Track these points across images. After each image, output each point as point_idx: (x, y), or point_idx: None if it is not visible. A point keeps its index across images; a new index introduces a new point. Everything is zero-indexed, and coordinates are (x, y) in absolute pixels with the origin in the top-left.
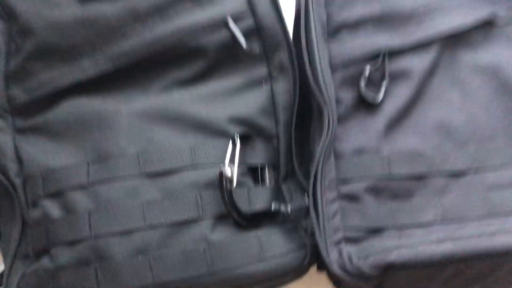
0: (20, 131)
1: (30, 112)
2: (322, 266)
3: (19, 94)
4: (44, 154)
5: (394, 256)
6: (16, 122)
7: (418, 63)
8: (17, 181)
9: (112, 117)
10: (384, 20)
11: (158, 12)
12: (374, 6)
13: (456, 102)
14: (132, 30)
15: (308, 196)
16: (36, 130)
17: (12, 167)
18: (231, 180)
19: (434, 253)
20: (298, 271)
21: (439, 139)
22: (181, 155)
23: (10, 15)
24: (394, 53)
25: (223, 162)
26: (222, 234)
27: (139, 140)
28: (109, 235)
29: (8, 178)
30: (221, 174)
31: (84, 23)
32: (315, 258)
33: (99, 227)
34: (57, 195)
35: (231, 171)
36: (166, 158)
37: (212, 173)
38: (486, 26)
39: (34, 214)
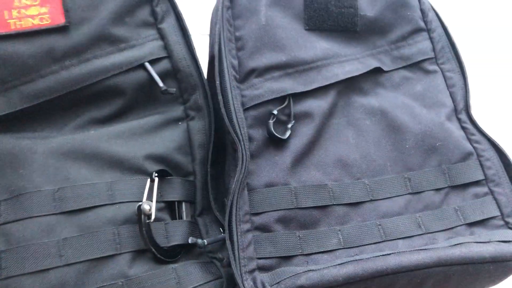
0: None
1: None
2: None
3: None
4: None
5: (303, 279)
6: None
7: (318, 105)
8: None
9: (26, 155)
10: (289, 68)
11: (76, 53)
12: (280, 56)
13: (352, 140)
14: (48, 70)
15: (224, 228)
16: None
17: None
18: (149, 215)
19: (338, 274)
20: None
21: (338, 173)
22: (98, 192)
23: None
24: (298, 96)
25: (141, 199)
26: (140, 269)
27: (55, 178)
28: (22, 275)
29: None
30: (139, 209)
31: None
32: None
33: (10, 267)
34: None
35: (149, 206)
36: (82, 195)
37: (130, 209)
38: (374, 74)
39: None
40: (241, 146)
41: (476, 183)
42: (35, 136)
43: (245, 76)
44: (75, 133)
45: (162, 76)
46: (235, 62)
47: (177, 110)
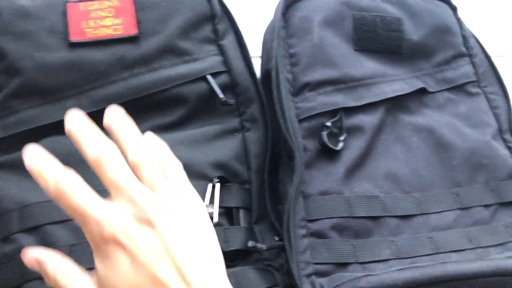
0: None
1: (7, 148)
2: None
3: None
4: (20, 190)
5: (364, 282)
6: None
7: (369, 121)
8: None
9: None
10: (340, 84)
11: (145, 63)
12: (332, 71)
13: (401, 156)
14: (118, 76)
15: (279, 236)
16: (11, 166)
17: None
18: (211, 218)
19: (397, 278)
20: None
21: (389, 186)
22: None
23: None
24: (349, 111)
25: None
26: None
27: None
28: None
29: None
30: None
31: (72, 66)
32: None
33: (81, 261)
34: (34, 229)
35: (211, 210)
36: None
37: None
38: (420, 94)
39: (6, 249)
40: (298, 154)
41: None
42: None
43: (299, 89)
44: None
45: (221, 89)
46: (290, 76)
47: (234, 122)
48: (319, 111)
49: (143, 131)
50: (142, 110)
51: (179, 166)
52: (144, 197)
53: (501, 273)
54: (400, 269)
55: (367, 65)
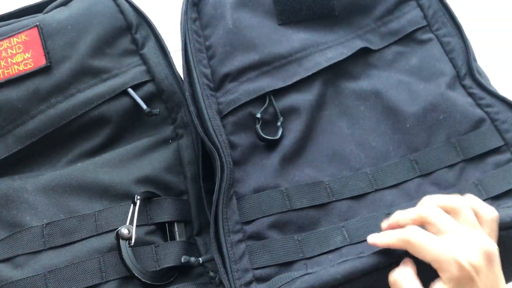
0: None
1: None
2: None
3: None
4: None
5: (298, 283)
6: None
7: (303, 99)
8: None
9: (18, 195)
10: (264, 66)
11: (60, 91)
12: (252, 55)
13: (346, 130)
14: (36, 110)
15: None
16: None
17: None
18: (129, 239)
19: (337, 272)
20: None
21: (335, 167)
22: (84, 224)
23: None
24: (279, 93)
25: (121, 225)
26: None
27: (44, 214)
28: None
29: None
30: (118, 234)
31: None
32: None
33: None
34: None
35: (129, 230)
36: (69, 229)
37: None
38: (363, 56)
39: None
40: (219, 154)
41: (495, 150)
42: (28, 175)
43: (219, 83)
44: (65, 168)
45: (148, 99)
46: (207, 71)
47: (167, 131)
48: (243, 101)
49: (70, 160)
50: (67, 139)
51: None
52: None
53: None
54: (340, 262)
55: (294, 38)
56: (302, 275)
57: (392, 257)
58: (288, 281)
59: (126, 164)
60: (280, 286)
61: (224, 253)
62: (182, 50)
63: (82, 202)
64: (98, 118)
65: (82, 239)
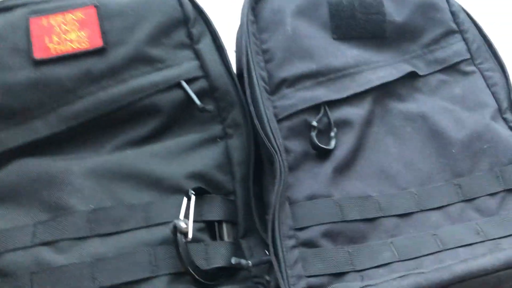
0: None
1: None
2: None
3: None
4: None
5: None
6: None
7: (356, 113)
8: None
9: (62, 176)
10: (320, 77)
11: (113, 75)
12: (309, 64)
13: (393, 150)
14: (86, 91)
15: (269, 246)
16: None
17: None
18: (185, 234)
19: (400, 286)
20: None
21: (383, 184)
22: (134, 214)
23: None
24: (333, 105)
25: (178, 218)
26: None
27: (90, 199)
28: None
29: None
30: (175, 227)
31: (38, 85)
32: None
33: None
34: None
35: (186, 224)
36: (117, 218)
37: (167, 231)
38: (410, 79)
39: None
40: (278, 157)
41: None
42: (71, 157)
43: (276, 87)
44: (112, 154)
45: (200, 95)
46: (264, 74)
47: (216, 129)
48: (299, 108)
49: (116, 146)
50: (114, 124)
51: None
52: None
53: None
54: (402, 276)
55: (348, 54)
56: (364, 286)
57: (456, 274)
58: None
59: (176, 158)
60: None
61: (280, 257)
62: (241, 49)
63: (130, 191)
64: (149, 107)
65: (131, 230)
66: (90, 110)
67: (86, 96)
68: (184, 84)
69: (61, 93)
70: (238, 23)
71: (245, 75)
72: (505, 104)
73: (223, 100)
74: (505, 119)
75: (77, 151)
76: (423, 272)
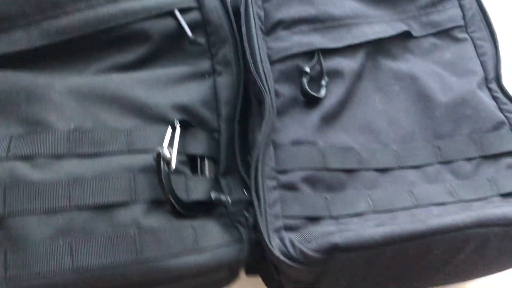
0: None
1: None
2: (251, 270)
3: None
4: None
5: (338, 237)
6: None
7: (348, 65)
8: None
9: (42, 91)
10: (318, 23)
11: None
12: (308, 8)
13: (379, 106)
14: (74, 7)
15: (248, 190)
16: None
17: None
18: (168, 163)
19: (376, 233)
20: (232, 267)
21: (366, 138)
22: (116, 138)
23: None
24: (327, 53)
25: (161, 146)
26: (156, 220)
27: (71, 118)
28: (27, 213)
29: None
30: (159, 155)
31: None
32: (251, 253)
33: (14, 204)
34: None
35: (170, 153)
36: (99, 140)
37: (149, 158)
38: (403, 39)
39: None
40: (267, 97)
41: (509, 153)
42: (53, 75)
43: (272, 27)
44: (97, 76)
45: (191, 27)
46: (261, 12)
47: (205, 64)
48: (293, 52)
49: (100, 69)
50: (100, 46)
51: None
52: None
53: (485, 224)
54: (378, 224)
55: (347, 4)
56: (341, 230)
57: (430, 226)
58: (326, 233)
59: (162, 87)
60: (317, 237)
61: (260, 196)
62: None
63: (113, 115)
64: (138, 33)
65: (112, 154)
66: (75, 27)
67: (73, 12)
68: (177, 12)
69: (47, 5)
70: None
71: (242, 10)
72: (491, 74)
73: (215, 34)
74: (490, 89)
75: (60, 70)
76: (396, 224)
